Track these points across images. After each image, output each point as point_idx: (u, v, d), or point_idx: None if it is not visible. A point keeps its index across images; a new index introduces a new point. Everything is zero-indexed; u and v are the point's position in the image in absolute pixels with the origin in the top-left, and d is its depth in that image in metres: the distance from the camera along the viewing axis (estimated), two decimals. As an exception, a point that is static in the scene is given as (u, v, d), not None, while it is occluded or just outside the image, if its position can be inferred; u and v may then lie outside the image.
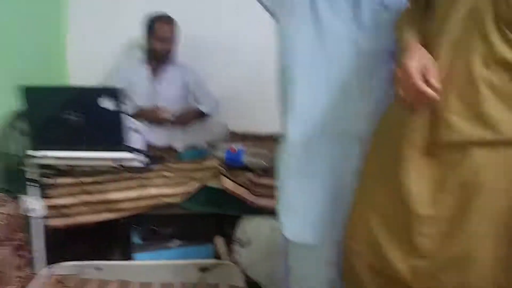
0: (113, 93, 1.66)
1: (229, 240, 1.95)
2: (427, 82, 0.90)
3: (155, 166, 1.92)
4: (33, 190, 1.73)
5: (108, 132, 1.72)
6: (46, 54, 2.44)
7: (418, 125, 0.95)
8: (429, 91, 0.90)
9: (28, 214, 1.73)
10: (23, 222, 1.74)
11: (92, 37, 2.51)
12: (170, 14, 2.35)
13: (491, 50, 0.87)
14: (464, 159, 0.89)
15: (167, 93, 2.40)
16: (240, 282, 1.81)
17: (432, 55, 0.94)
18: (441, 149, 0.93)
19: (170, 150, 2.30)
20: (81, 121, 1.67)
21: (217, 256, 1.97)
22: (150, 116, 2.34)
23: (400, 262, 0.95)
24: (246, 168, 1.90)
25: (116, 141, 1.73)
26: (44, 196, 1.77)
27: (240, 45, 2.50)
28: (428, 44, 0.97)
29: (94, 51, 2.49)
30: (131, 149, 1.77)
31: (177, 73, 2.43)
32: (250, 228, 1.88)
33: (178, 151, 2.22)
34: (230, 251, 1.94)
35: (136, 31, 2.38)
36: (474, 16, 0.89)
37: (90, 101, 1.66)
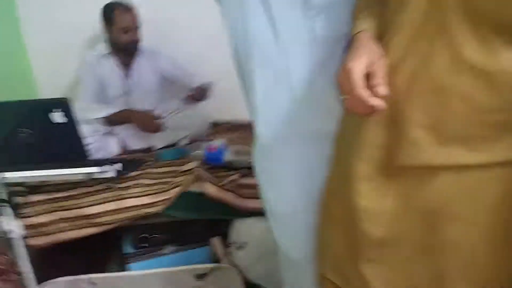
0: (63, 105, 1.48)
1: (226, 240, 1.81)
2: (373, 89, 0.70)
3: (132, 173, 1.75)
4: (5, 210, 1.61)
5: (67, 148, 1.53)
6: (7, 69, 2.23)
7: (373, 136, 0.78)
8: (375, 102, 0.70)
9: (5, 236, 1.63)
10: (3, 245, 1.62)
11: (52, 42, 2.28)
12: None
13: (458, 52, 0.66)
14: (429, 184, 0.76)
15: (142, 86, 2.16)
16: (240, 286, 1.70)
17: (387, 49, 0.74)
18: (401, 168, 0.78)
19: (148, 150, 2.09)
20: (37, 138, 1.49)
21: (215, 259, 1.84)
22: (142, 123, 2.08)
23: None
24: (229, 167, 1.72)
25: (77, 157, 1.56)
26: (20, 215, 1.63)
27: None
28: (385, 35, 0.75)
29: (57, 56, 2.27)
30: (97, 162, 1.60)
31: (149, 62, 2.18)
32: (244, 230, 1.74)
33: (157, 151, 2.01)
34: (227, 252, 1.81)
35: (97, 23, 2.11)
36: (438, 4, 0.67)
37: (41, 116, 1.48)
